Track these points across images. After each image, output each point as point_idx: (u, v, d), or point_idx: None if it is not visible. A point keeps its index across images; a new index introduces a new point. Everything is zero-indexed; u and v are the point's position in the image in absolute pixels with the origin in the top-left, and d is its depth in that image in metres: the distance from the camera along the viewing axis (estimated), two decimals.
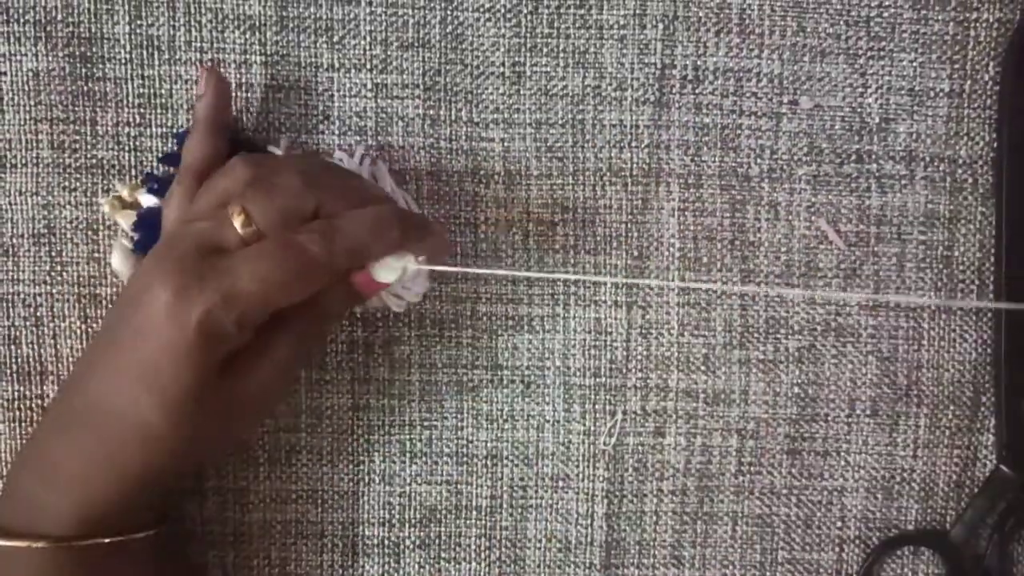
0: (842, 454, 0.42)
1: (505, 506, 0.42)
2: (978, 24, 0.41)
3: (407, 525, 0.42)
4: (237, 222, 0.33)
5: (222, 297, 0.32)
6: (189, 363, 0.32)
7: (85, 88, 0.40)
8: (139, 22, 0.40)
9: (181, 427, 0.33)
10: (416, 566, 0.42)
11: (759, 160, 0.41)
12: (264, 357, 0.35)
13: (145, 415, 0.33)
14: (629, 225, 0.41)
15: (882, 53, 0.41)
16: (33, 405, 0.41)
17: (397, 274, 0.36)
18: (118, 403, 0.33)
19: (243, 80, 0.40)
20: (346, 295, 0.36)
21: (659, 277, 0.41)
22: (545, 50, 0.41)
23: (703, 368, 0.42)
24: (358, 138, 0.41)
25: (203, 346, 0.32)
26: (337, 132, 0.41)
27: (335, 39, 0.40)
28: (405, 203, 0.40)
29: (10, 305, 0.41)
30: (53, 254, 0.40)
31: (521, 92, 0.41)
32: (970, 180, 0.41)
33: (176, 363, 0.32)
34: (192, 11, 0.40)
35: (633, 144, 0.41)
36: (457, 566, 0.42)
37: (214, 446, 0.37)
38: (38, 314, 0.41)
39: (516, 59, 0.41)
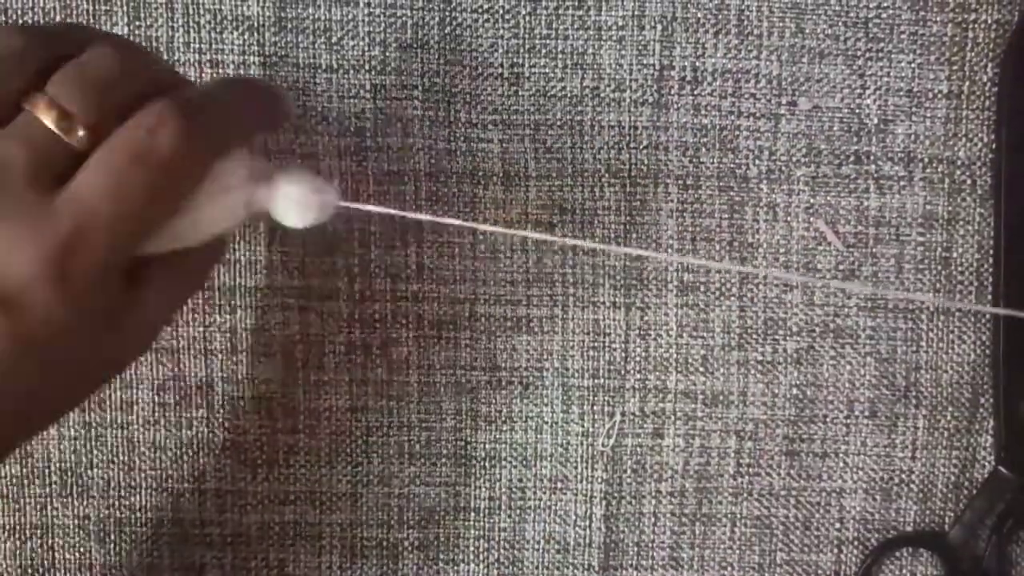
0: (840, 455, 0.42)
1: (504, 507, 0.42)
2: (976, 26, 0.41)
3: (405, 527, 0.42)
4: (48, 119, 0.26)
5: (101, 258, 0.26)
6: (79, 326, 0.27)
7: None
8: (138, 23, 0.40)
9: (52, 394, 0.29)
10: (415, 567, 0.42)
11: (758, 161, 0.41)
12: (142, 298, 0.29)
13: (17, 387, 0.27)
14: (628, 226, 0.41)
15: (880, 54, 0.41)
16: None
17: (313, 215, 0.31)
18: None
19: None
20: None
21: (657, 279, 0.41)
22: (543, 51, 0.41)
23: (701, 369, 0.42)
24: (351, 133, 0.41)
25: (91, 305, 0.27)
26: (335, 133, 0.41)
27: (333, 40, 0.40)
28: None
29: None
30: None
31: (519, 93, 0.41)
32: (968, 181, 0.41)
33: (63, 330, 0.27)
34: (191, 12, 0.40)
35: (631, 145, 0.41)
36: (455, 567, 0.42)
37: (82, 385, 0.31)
38: None
39: (515, 60, 0.41)
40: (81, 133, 0.26)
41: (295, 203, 0.31)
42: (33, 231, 0.25)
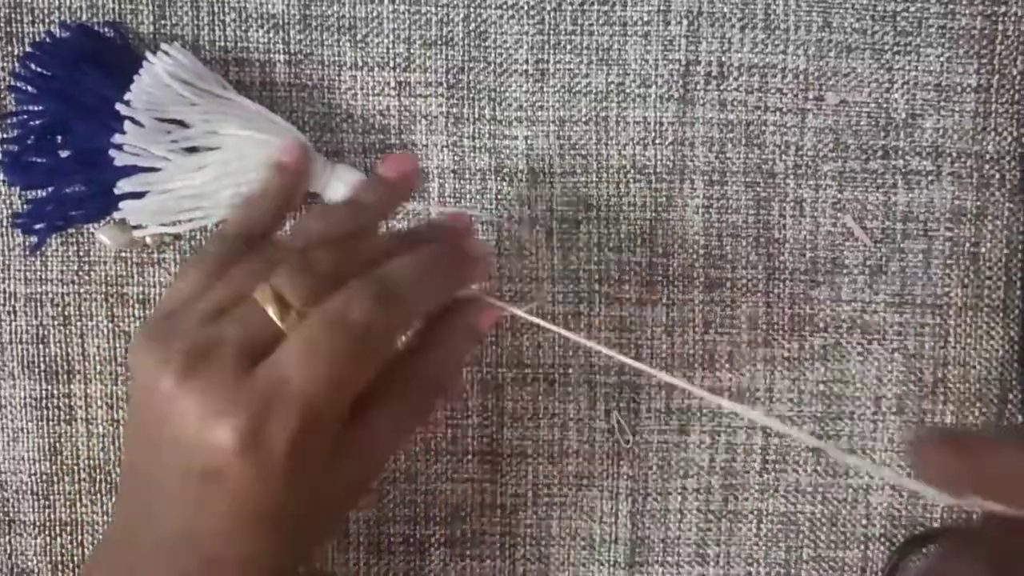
0: (868, 452, 0.42)
1: (529, 504, 0.42)
2: (1006, 18, 0.40)
3: (432, 523, 0.42)
4: (271, 310, 0.29)
5: (295, 425, 0.28)
6: (286, 489, 0.28)
7: None
8: (163, 21, 0.40)
9: (287, 544, 0.30)
10: (441, 563, 0.42)
11: (784, 156, 0.41)
12: (364, 442, 0.31)
13: (250, 550, 0.29)
14: (653, 223, 0.41)
15: (908, 48, 0.40)
16: (60, 404, 0.41)
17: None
18: (214, 547, 0.29)
19: (267, 79, 0.40)
20: (457, 343, 0.33)
21: (683, 276, 0.41)
22: (568, 47, 0.40)
23: (727, 366, 0.41)
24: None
25: (295, 469, 0.28)
26: (360, 131, 0.41)
27: (358, 37, 0.40)
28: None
29: (38, 304, 0.41)
30: (81, 253, 0.41)
31: (544, 89, 0.41)
32: (997, 176, 0.41)
33: (272, 495, 0.28)
34: (216, 10, 0.40)
35: (657, 141, 0.41)
36: (481, 563, 0.42)
37: (315, 535, 0.33)
38: (66, 313, 0.41)
39: (539, 56, 0.40)
40: (292, 314, 0.29)
41: (351, 186, 0.38)
42: (232, 405, 0.27)
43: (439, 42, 0.40)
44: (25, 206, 0.39)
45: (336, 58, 0.40)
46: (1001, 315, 0.41)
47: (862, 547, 0.42)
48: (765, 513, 0.42)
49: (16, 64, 0.39)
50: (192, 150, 0.37)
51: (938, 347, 0.41)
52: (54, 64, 0.38)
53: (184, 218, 0.38)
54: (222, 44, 0.40)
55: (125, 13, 0.40)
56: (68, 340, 0.41)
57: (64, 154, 0.38)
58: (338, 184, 0.39)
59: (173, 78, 0.37)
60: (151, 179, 0.37)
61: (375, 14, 0.40)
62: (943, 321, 0.41)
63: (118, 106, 0.37)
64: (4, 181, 0.40)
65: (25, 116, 0.38)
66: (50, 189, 0.38)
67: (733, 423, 0.42)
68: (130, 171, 0.37)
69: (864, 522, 0.42)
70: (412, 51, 0.40)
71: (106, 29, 0.40)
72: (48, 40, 0.39)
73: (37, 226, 0.39)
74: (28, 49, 0.39)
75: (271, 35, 0.40)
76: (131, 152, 0.37)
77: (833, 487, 0.42)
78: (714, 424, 0.42)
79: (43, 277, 0.41)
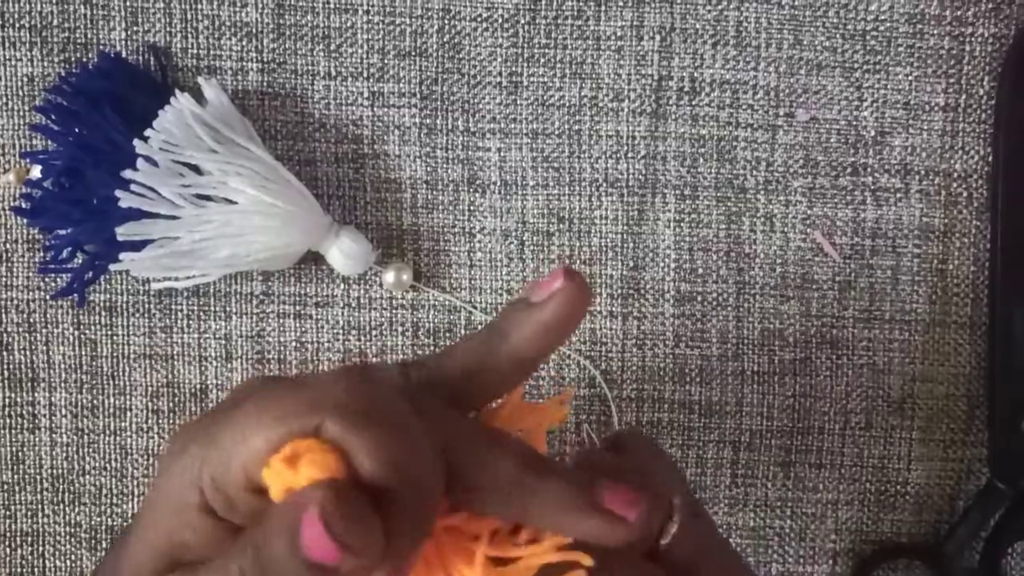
0: (836, 466, 0.42)
1: None
2: (973, 39, 0.41)
3: None
4: None
5: None
6: None
7: None
8: (135, 28, 0.40)
9: None
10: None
11: (755, 172, 0.41)
12: None
13: None
14: (625, 236, 0.41)
15: (878, 67, 0.41)
16: (24, 412, 0.41)
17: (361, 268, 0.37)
18: None
19: (239, 87, 0.40)
20: None
21: (654, 290, 0.41)
22: (542, 60, 0.41)
23: (698, 379, 0.42)
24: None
25: None
26: (333, 140, 0.41)
27: (332, 47, 0.40)
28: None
29: (3, 311, 0.40)
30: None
31: (518, 102, 0.41)
32: (965, 194, 0.41)
33: None
34: (188, 18, 0.40)
35: (629, 155, 0.41)
36: None
37: None
38: (31, 320, 0.40)
39: (513, 69, 0.41)
40: None
41: (351, 256, 0.39)
42: None
43: (413, 53, 0.40)
44: (48, 250, 0.39)
45: (309, 67, 0.40)
46: (968, 331, 0.42)
47: (830, 562, 0.42)
48: (734, 527, 0.42)
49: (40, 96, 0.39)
50: (205, 198, 0.37)
51: (906, 363, 0.42)
52: (78, 100, 0.37)
53: (181, 275, 0.38)
54: (195, 52, 0.40)
55: (97, 19, 0.40)
56: (33, 347, 0.40)
57: (77, 199, 0.37)
58: (337, 253, 0.39)
59: (196, 120, 0.37)
60: (150, 228, 0.36)
61: (349, 24, 0.40)
62: (911, 337, 0.42)
63: (136, 142, 0.36)
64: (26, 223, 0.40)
65: (46, 156, 0.38)
66: (68, 231, 0.38)
67: (704, 437, 0.42)
68: (135, 215, 0.36)
69: (833, 537, 0.42)
70: (386, 61, 0.40)
71: (146, 56, 0.40)
72: (76, 73, 0.39)
73: (56, 267, 0.38)
74: (56, 82, 0.39)
75: (244, 43, 0.40)
76: (137, 192, 0.36)
77: (802, 502, 0.42)
78: (684, 438, 0.42)
79: (8, 283, 0.40)
